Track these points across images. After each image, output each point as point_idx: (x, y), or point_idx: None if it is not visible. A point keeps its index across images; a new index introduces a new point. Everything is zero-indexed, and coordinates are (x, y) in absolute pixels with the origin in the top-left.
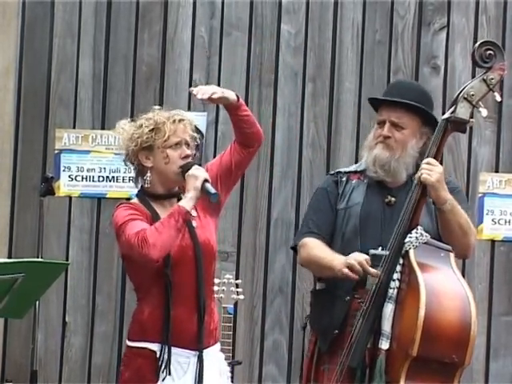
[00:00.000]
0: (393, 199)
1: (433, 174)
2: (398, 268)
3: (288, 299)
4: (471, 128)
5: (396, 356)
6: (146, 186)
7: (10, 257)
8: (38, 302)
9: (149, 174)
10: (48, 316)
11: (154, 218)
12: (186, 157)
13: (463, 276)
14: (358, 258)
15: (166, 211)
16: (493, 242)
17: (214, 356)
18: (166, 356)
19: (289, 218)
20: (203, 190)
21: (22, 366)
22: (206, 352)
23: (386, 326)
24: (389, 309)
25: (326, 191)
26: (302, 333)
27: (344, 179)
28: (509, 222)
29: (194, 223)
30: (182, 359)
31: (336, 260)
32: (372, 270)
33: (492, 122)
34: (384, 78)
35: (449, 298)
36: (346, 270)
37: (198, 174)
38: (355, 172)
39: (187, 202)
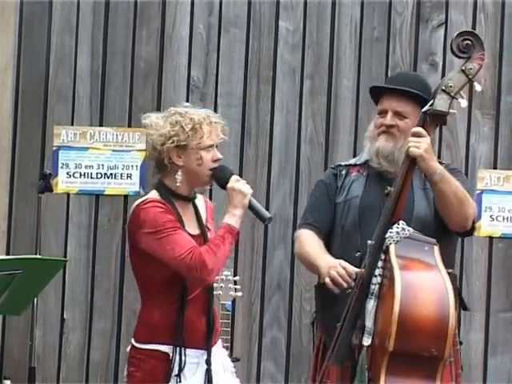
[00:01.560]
0: (392, 190)
1: (421, 145)
2: (380, 264)
3: (286, 296)
4: (469, 125)
5: (377, 352)
6: (177, 184)
7: (7, 253)
8: (36, 299)
9: (180, 173)
10: (46, 312)
11: (178, 219)
12: (217, 160)
13: (461, 273)
14: (340, 270)
15: (183, 214)
16: (491, 238)
17: (217, 352)
18: (179, 358)
19: (287, 215)
20: (251, 208)
21: (20, 362)
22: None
23: (368, 322)
24: (371, 305)
25: (324, 184)
26: (312, 329)
27: (344, 172)
28: (507, 218)
29: (209, 235)
30: (192, 359)
31: (319, 260)
32: (354, 270)
33: (490, 118)
34: (382, 74)
35: (426, 292)
36: (327, 281)
37: (246, 190)
38: (355, 165)
39: (237, 220)
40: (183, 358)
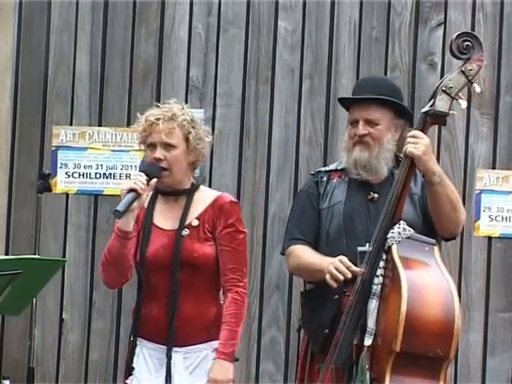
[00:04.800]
0: (375, 195)
1: (419, 146)
2: (382, 264)
3: (285, 296)
4: (468, 125)
5: (381, 352)
6: None
7: (6, 254)
8: (34, 299)
9: None
10: (45, 313)
11: (146, 213)
12: (156, 160)
13: (460, 273)
14: (338, 265)
15: (164, 207)
16: (490, 238)
17: (196, 354)
18: (134, 346)
19: (286, 215)
20: None
21: (19, 362)
22: (188, 349)
23: (370, 322)
24: (373, 305)
25: (307, 193)
26: (298, 335)
27: (325, 179)
28: (506, 218)
29: (186, 232)
30: (158, 355)
31: (321, 262)
32: (355, 269)
33: (489, 118)
34: (381, 74)
35: (431, 292)
36: (327, 277)
37: (121, 187)
38: (335, 170)
39: (122, 220)
40: (138, 347)
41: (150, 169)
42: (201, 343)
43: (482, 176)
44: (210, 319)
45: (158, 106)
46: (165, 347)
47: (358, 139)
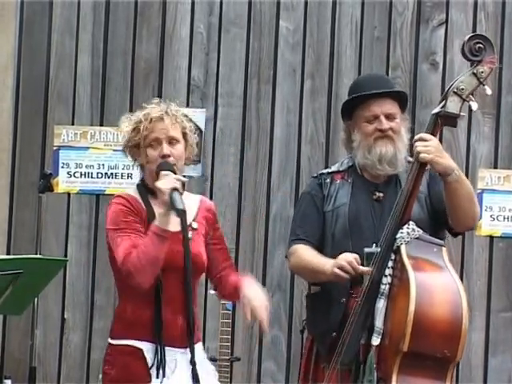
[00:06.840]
0: (381, 195)
1: (429, 149)
2: (390, 264)
3: (287, 295)
4: (469, 124)
5: (388, 352)
6: (146, 181)
7: (8, 253)
8: (36, 299)
9: (140, 171)
10: (47, 312)
11: (148, 216)
12: (164, 156)
13: (462, 272)
14: (347, 258)
15: (159, 207)
16: (491, 238)
17: (198, 354)
18: (160, 355)
19: (287, 214)
20: (170, 201)
21: (21, 362)
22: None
23: (378, 321)
24: (381, 304)
25: (310, 195)
26: (301, 337)
27: (328, 180)
28: (507, 218)
29: (191, 234)
30: (168, 358)
31: (328, 264)
32: (363, 269)
33: (490, 118)
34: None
35: (439, 293)
36: (336, 270)
37: (163, 186)
38: (338, 172)
39: (160, 219)
40: (163, 355)
41: (169, 167)
42: (196, 343)
43: (483, 176)
44: (199, 321)
45: (145, 107)
46: (175, 349)
47: (381, 134)
